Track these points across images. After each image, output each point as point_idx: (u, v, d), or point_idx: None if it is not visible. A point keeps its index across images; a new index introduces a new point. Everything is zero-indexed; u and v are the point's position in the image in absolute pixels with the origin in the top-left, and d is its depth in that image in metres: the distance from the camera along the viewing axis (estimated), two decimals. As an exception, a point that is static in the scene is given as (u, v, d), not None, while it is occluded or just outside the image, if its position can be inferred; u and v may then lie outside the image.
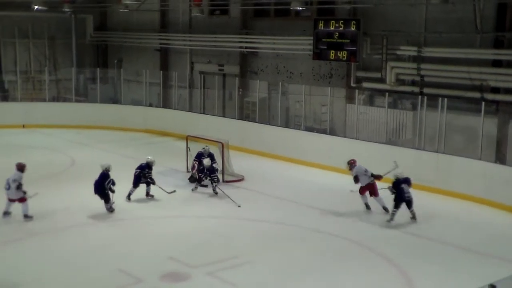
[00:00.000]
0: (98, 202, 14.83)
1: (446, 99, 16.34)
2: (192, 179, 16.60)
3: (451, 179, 15.94)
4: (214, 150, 17.02)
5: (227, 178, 17.08)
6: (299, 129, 20.40)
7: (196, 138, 18.07)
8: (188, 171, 17.42)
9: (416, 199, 15.68)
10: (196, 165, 16.24)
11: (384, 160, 17.06)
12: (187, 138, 18.02)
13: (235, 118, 22.16)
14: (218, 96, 23.31)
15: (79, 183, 16.29)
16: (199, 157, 16.38)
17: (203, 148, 16.54)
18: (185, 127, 21.00)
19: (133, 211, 14.16)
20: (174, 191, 15.55)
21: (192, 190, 16.00)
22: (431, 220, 14.15)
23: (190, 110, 24.09)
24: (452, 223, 13.75)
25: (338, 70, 20.71)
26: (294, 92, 21.00)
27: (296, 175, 18.17)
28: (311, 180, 17.66)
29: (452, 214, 14.46)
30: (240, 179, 17.24)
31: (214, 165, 15.97)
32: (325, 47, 19.28)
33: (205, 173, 15.62)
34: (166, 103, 25.16)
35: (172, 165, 18.75)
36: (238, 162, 17.95)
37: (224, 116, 22.87)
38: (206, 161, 15.75)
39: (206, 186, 16.05)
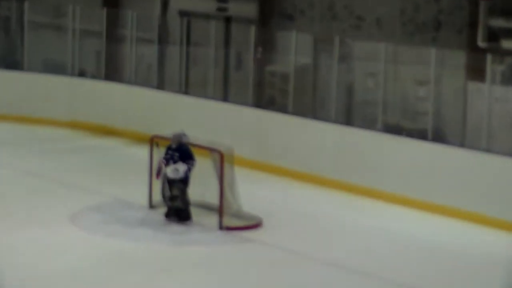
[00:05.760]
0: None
1: None
2: (171, 213, 13.16)
3: None
4: (207, 165, 13.03)
5: (229, 221, 12.89)
6: (372, 129, 15.36)
7: (169, 141, 13.85)
8: (151, 206, 13.41)
9: None
10: (163, 166, 13.51)
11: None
12: (152, 141, 13.56)
13: (248, 105, 16.64)
14: (216, 62, 17.49)
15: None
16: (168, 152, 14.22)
17: (173, 134, 13.53)
18: (149, 120, 16.38)
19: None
20: None
21: None
22: None
23: (160, 86, 18.20)
24: None
25: (452, 14, 15.21)
26: (365, 57, 15.99)
27: (366, 220, 13.89)
28: (395, 231, 13.39)
29: None
30: (254, 225, 13.24)
31: (182, 169, 13.13)
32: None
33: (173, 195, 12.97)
34: (112, 72, 18.90)
35: (120, 192, 14.08)
36: (250, 190, 13.92)
37: (225, 101, 17.31)
38: (170, 170, 13.16)
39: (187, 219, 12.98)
